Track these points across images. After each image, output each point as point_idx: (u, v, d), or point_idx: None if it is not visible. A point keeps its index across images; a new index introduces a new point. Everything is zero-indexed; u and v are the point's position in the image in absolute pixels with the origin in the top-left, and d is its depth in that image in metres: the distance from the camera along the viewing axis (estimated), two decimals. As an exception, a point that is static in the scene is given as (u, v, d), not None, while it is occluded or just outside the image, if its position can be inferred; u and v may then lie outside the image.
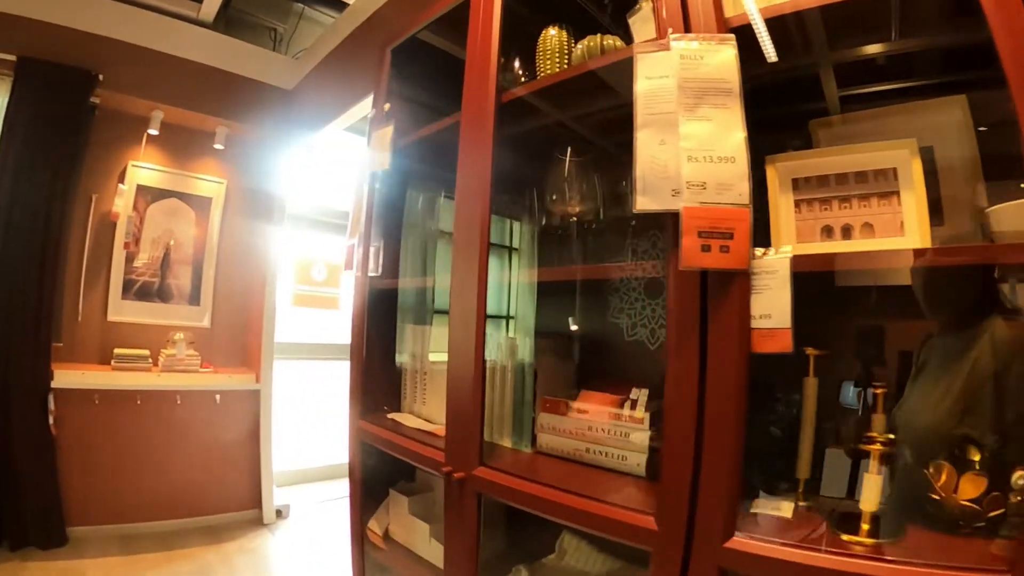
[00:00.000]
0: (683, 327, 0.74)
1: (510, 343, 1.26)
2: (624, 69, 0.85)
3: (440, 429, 1.31)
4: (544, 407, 1.14)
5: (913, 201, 0.75)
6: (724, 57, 0.76)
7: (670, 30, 0.79)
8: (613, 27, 1.10)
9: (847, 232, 0.80)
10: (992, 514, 0.67)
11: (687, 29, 0.78)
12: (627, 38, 0.99)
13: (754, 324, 0.71)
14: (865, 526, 0.72)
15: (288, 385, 3.29)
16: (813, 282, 0.72)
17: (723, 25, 0.78)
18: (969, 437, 0.73)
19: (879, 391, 0.76)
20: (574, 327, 1.30)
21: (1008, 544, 0.64)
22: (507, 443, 1.20)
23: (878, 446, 0.72)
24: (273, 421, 2.92)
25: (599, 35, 1.06)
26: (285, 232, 3.06)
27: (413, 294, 1.56)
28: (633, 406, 1.03)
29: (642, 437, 0.97)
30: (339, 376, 3.60)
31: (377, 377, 1.51)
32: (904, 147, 0.77)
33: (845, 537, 0.71)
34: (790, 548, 0.68)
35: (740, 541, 0.70)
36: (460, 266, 1.11)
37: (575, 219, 1.19)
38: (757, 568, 0.69)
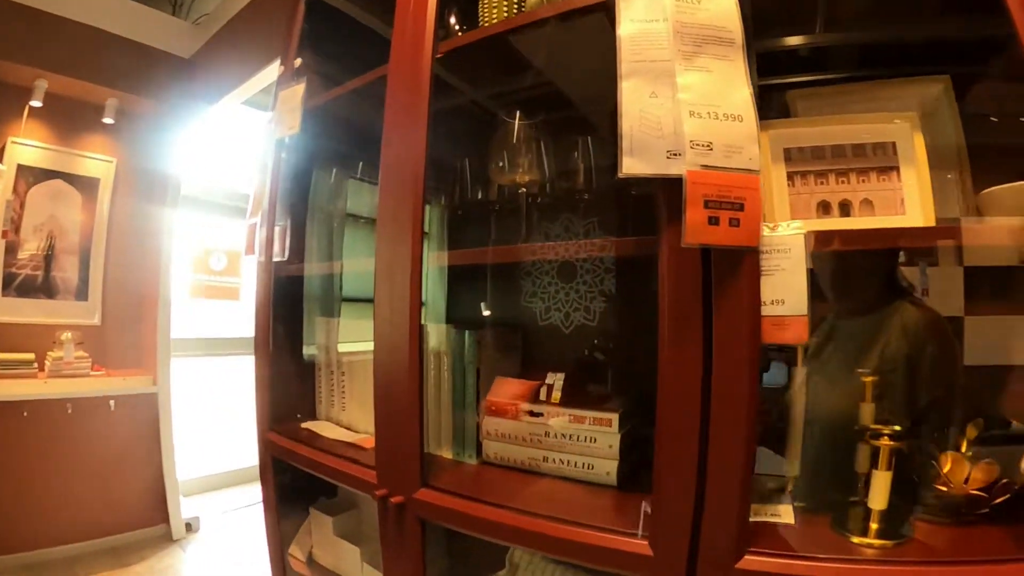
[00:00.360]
0: (681, 315, 0.63)
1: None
2: (587, 24, 0.74)
3: (366, 439, 1.12)
4: (490, 410, 0.98)
5: (914, 177, 0.70)
6: (725, 2, 0.65)
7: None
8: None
9: (845, 208, 0.72)
10: (998, 500, 0.64)
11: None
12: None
13: (765, 311, 0.61)
14: (874, 526, 0.66)
15: (188, 385, 3.01)
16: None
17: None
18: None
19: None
20: (486, 312, 1.22)
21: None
22: (447, 454, 1.04)
23: (886, 440, 0.66)
24: (174, 426, 2.67)
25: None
26: (181, 217, 2.76)
27: (321, 281, 1.35)
28: (549, 393, 0.95)
29: (611, 440, 0.86)
30: (242, 372, 3.36)
31: (287, 379, 1.28)
32: (905, 120, 0.71)
33: (856, 540, 0.65)
34: (813, 563, 0.60)
35: (754, 560, 0.61)
36: (386, 247, 0.92)
37: (524, 190, 1.04)
38: None
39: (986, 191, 0.69)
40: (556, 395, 0.95)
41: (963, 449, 0.69)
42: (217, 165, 3.23)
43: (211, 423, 3.36)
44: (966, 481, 0.65)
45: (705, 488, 0.62)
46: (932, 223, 0.68)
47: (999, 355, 0.81)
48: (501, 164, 1.07)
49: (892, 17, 0.83)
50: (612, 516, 0.75)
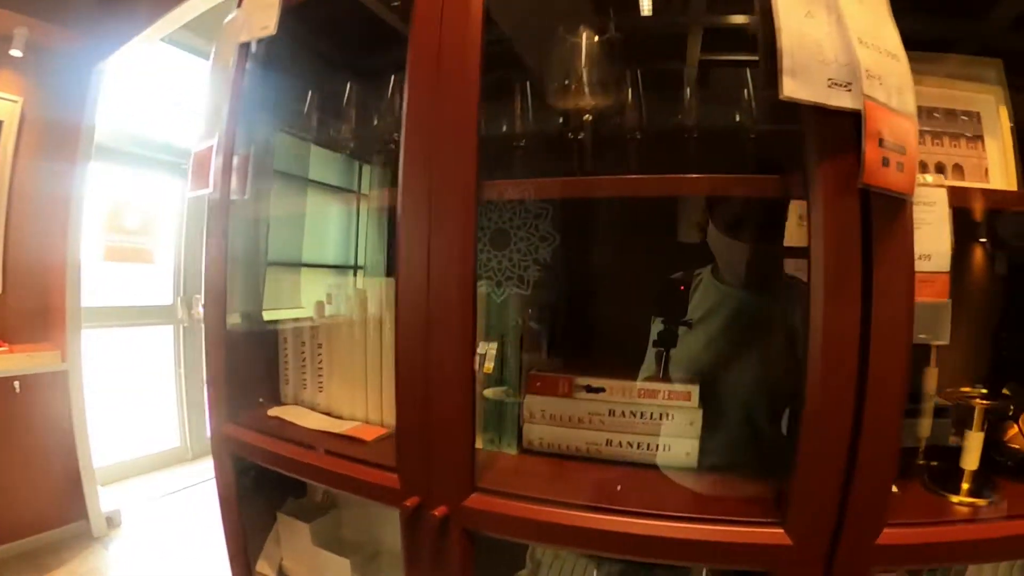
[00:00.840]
0: (841, 268, 0.56)
1: (359, 295, 0.99)
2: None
3: (361, 428, 0.93)
4: (534, 387, 0.86)
5: (998, 148, 0.71)
6: None
7: None
8: None
9: (941, 170, 0.72)
10: None
11: None
12: None
13: (916, 267, 0.58)
14: (966, 485, 0.66)
15: (99, 360, 2.64)
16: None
17: None
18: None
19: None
20: None
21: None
22: (477, 443, 0.89)
23: (979, 400, 0.67)
24: (88, 408, 2.33)
25: None
26: (94, 168, 2.34)
27: (290, 226, 1.17)
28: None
29: (692, 416, 0.78)
30: (158, 344, 3.04)
31: (246, 354, 1.02)
32: (990, 92, 0.72)
33: (955, 499, 0.65)
34: (937, 528, 0.58)
35: (891, 533, 0.57)
36: (418, 182, 0.71)
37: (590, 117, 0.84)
38: (914, 558, 0.58)
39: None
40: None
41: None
42: (136, 110, 2.80)
43: (125, 402, 3.02)
44: None
45: (855, 466, 0.57)
46: (1015, 188, 0.70)
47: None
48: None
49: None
50: (724, 504, 0.67)
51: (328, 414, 1.01)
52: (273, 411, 1.01)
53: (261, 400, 1.04)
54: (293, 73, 1.10)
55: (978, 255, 0.82)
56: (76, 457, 2.32)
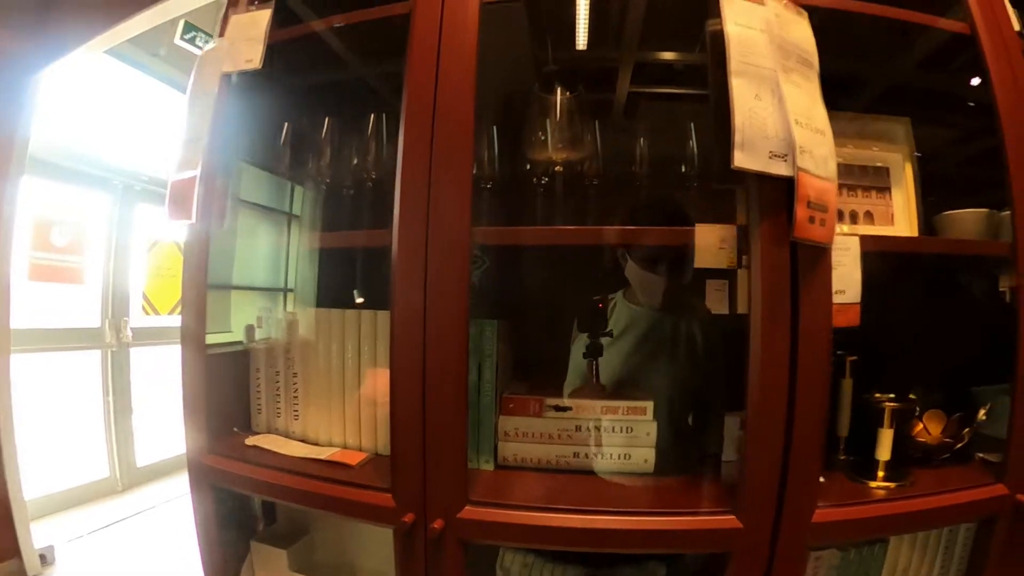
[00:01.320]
0: (774, 301, 0.70)
1: (289, 318, 1.06)
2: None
3: (345, 454, 0.97)
4: (508, 408, 0.94)
5: (903, 198, 0.88)
6: (804, 29, 0.75)
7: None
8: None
9: (854, 217, 0.88)
10: (959, 446, 0.87)
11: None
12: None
13: (833, 299, 0.72)
14: (881, 473, 0.83)
15: (26, 386, 2.44)
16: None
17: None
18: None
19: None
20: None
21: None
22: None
23: (889, 404, 0.83)
24: (17, 439, 2.15)
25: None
26: (24, 183, 2.17)
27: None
28: None
29: (648, 428, 0.90)
30: (87, 369, 2.86)
31: (220, 382, 1.03)
32: (898, 151, 0.89)
33: (873, 484, 0.81)
34: (859, 507, 0.74)
35: (822, 513, 0.72)
36: (413, 216, 0.78)
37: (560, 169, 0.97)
38: (842, 533, 0.71)
39: (944, 214, 0.90)
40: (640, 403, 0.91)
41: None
42: (68, 123, 2.59)
43: (47, 431, 2.76)
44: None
45: (789, 457, 0.70)
46: (916, 234, 0.87)
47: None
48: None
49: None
50: (682, 499, 0.78)
51: (305, 441, 1.04)
52: (251, 440, 1.02)
53: (235, 430, 1.05)
54: (262, 104, 1.13)
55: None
56: (6, 491, 2.12)
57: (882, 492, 0.80)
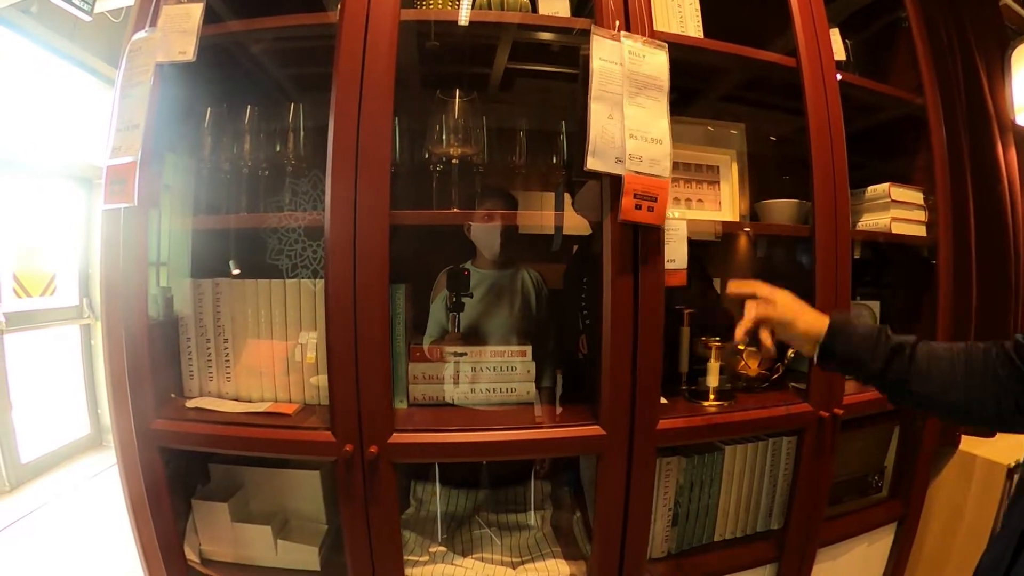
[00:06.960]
0: (622, 265, 1.05)
1: (163, 292, 1.26)
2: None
3: (281, 406, 1.22)
4: (415, 356, 1.24)
5: (729, 189, 1.27)
6: (660, 60, 1.08)
7: (618, 26, 1.06)
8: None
9: (689, 203, 1.26)
10: (775, 376, 1.29)
11: (628, 29, 1.08)
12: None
13: (665, 266, 1.09)
14: (712, 396, 1.23)
15: None
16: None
17: (654, 34, 1.10)
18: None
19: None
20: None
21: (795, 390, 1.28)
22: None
23: (714, 344, 1.23)
24: None
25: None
26: None
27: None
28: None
29: (529, 367, 1.24)
30: None
31: (154, 350, 1.22)
32: (727, 154, 1.28)
33: (706, 404, 1.21)
34: (694, 418, 1.14)
35: (666, 423, 1.10)
36: (342, 185, 1.03)
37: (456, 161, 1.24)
38: (681, 437, 1.11)
39: (762, 202, 1.32)
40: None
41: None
42: None
43: None
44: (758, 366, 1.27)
45: (636, 381, 1.06)
46: (738, 218, 1.27)
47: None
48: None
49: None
50: (559, 418, 1.13)
51: (239, 400, 1.26)
52: (191, 403, 1.22)
53: (173, 395, 1.26)
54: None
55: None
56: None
57: (713, 408, 1.20)
